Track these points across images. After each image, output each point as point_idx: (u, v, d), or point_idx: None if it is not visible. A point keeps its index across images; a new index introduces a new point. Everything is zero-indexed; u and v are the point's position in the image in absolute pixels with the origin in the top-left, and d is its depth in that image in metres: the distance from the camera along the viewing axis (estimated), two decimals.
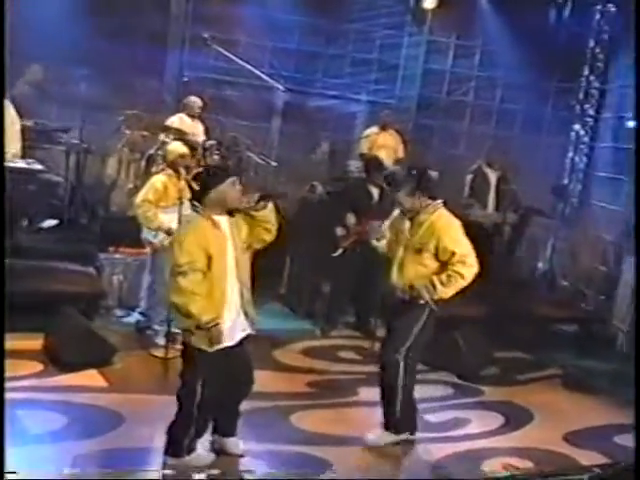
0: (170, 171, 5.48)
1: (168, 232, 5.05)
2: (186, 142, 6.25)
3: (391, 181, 4.16)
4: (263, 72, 8.60)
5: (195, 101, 7.80)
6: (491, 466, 4.14)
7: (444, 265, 4.01)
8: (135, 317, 5.73)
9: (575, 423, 4.87)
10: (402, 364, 4.10)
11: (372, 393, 4.79)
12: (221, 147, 7.50)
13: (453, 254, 3.97)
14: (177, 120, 7.71)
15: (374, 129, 8.15)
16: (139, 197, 5.43)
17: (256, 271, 7.07)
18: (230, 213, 3.54)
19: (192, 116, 7.86)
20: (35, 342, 4.94)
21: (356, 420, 4.49)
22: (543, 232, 8.37)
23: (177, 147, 5.67)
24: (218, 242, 3.50)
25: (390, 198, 4.82)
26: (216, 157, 7.51)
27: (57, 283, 5.60)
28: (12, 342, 4.77)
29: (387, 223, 4.32)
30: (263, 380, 4.86)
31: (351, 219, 5.90)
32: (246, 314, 3.62)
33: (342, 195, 6.33)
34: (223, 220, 3.54)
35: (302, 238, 6.77)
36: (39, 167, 5.17)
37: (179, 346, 3.84)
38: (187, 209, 4.25)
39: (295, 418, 4.43)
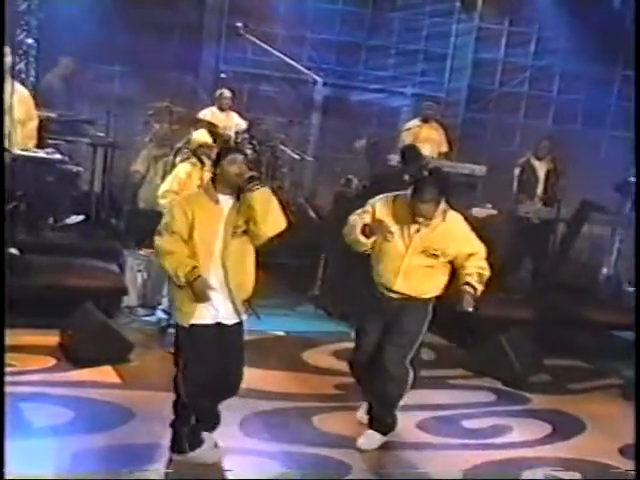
0: (194, 160, 5.51)
1: None
2: (213, 133, 6.27)
3: (414, 192, 4.00)
4: (302, 65, 8.62)
5: (223, 92, 7.87)
6: (532, 476, 3.94)
7: (451, 263, 4.00)
8: (158, 315, 5.73)
9: (634, 436, 4.58)
10: (412, 372, 4.03)
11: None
12: (253, 141, 7.52)
13: (472, 254, 3.98)
14: (209, 113, 7.80)
15: (416, 121, 8.05)
16: (163, 187, 5.46)
17: (288, 271, 7.12)
18: (238, 197, 3.55)
19: (223, 109, 7.93)
20: (52, 338, 4.98)
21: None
22: (608, 233, 8.05)
23: (200, 136, 5.69)
24: (208, 216, 3.52)
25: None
26: (249, 151, 7.53)
27: (79, 279, 5.66)
28: (29, 337, 4.87)
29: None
30: (288, 381, 4.85)
31: None
32: (233, 304, 3.57)
33: (375, 188, 6.20)
34: (226, 200, 3.57)
35: (337, 235, 6.67)
36: (58, 157, 5.25)
37: None
38: None
39: (317, 420, 4.33)
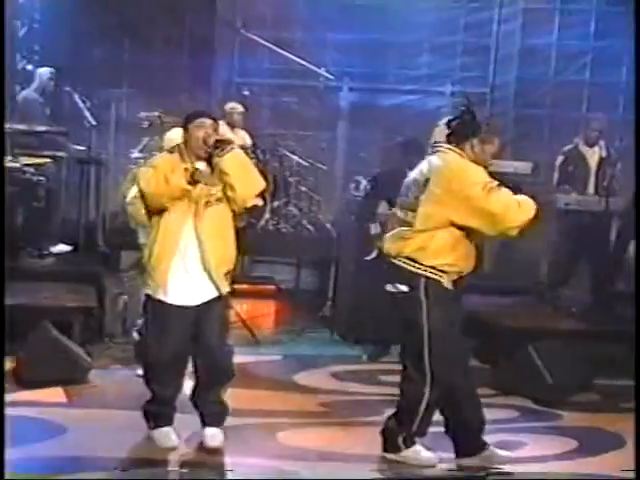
0: None
1: None
2: None
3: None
4: (325, 70, 8.68)
5: (233, 107, 7.96)
6: None
7: None
8: (133, 337, 5.75)
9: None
10: None
11: None
12: (256, 150, 7.58)
13: None
14: None
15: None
16: (130, 194, 5.54)
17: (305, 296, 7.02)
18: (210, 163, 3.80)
19: (232, 125, 8.03)
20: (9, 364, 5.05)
21: (368, 438, 4.17)
22: None
23: (176, 135, 5.75)
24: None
25: None
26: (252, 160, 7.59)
27: (45, 300, 5.78)
28: None
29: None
30: (267, 400, 4.82)
31: (384, 209, 5.61)
32: (210, 276, 3.78)
33: (377, 184, 6.12)
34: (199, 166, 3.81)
35: (345, 246, 6.60)
36: (16, 165, 5.43)
37: None
38: None
39: (282, 435, 4.22)
